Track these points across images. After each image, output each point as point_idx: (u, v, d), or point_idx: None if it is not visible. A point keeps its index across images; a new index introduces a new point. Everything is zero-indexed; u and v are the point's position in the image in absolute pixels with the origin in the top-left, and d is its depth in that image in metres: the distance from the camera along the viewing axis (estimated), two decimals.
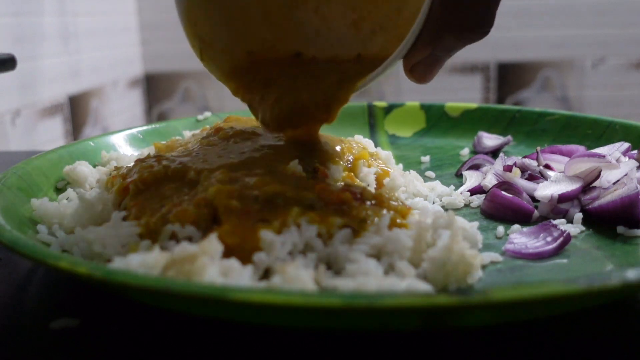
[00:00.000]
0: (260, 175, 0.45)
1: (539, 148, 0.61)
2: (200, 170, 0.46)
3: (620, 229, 0.47)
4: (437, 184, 0.58)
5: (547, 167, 0.58)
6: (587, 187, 0.52)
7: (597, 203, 0.49)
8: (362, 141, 0.61)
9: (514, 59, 1.77)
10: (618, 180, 0.51)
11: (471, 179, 0.60)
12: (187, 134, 0.68)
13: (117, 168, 0.54)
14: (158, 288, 0.30)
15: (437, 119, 0.80)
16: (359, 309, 0.28)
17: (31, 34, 1.20)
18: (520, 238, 0.46)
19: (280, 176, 0.45)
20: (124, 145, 0.67)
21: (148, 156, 0.53)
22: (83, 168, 0.56)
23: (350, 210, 0.42)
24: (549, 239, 0.44)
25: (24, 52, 1.16)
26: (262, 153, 0.49)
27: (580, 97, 1.78)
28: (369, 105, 0.83)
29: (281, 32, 0.56)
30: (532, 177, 0.57)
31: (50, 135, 1.27)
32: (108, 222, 0.43)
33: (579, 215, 0.49)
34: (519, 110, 0.78)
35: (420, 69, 0.45)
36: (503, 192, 0.52)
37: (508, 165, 0.57)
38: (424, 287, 0.35)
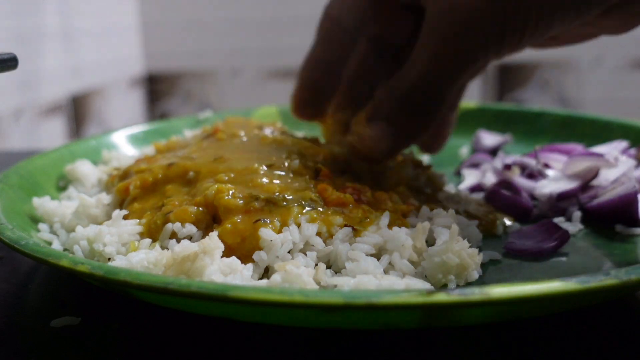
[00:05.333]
0: (260, 174, 0.45)
1: (537, 147, 0.61)
2: (199, 171, 0.46)
3: (618, 228, 0.47)
4: None
5: (546, 165, 0.58)
6: (585, 186, 0.52)
7: (595, 201, 0.49)
8: None
9: (513, 59, 1.77)
10: (616, 179, 0.51)
11: (470, 177, 0.60)
12: (189, 133, 0.68)
13: (117, 169, 0.54)
14: (159, 286, 0.30)
15: None
16: (359, 306, 0.29)
17: (33, 34, 1.20)
18: (519, 236, 0.46)
19: (281, 176, 0.45)
20: (125, 144, 0.68)
21: (147, 156, 0.54)
22: (84, 167, 0.56)
23: (351, 210, 0.43)
24: (547, 237, 0.45)
25: (25, 51, 1.16)
26: (261, 153, 0.49)
27: (579, 96, 1.78)
28: None
29: None
30: (531, 176, 0.57)
31: (52, 134, 1.27)
32: (109, 221, 0.43)
33: (577, 214, 0.49)
34: (518, 109, 0.78)
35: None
36: (502, 190, 0.52)
37: (507, 163, 0.58)
38: (423, 285, 0.35)
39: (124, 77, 1.69)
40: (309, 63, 0.51)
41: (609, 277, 0.30)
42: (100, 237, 0.41)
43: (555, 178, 0.54)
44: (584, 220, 0.49)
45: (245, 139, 0.53)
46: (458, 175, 0.64)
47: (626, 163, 0.54)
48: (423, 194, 0.51)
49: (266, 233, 0.39)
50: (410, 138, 0.46)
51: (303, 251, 0.40)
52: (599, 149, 0.58)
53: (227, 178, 0.44)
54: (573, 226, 0.48)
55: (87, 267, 0.33)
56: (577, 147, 0.60)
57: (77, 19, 1.39)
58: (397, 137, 0.46)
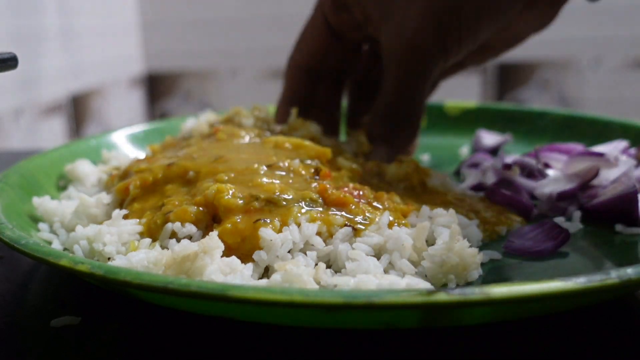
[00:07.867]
0: (260, 174, 0.45)
1: (537, 147, 0.61)
2: (199, 170, 0.46)
3: (618, 227, 0.47)
4: None
5: (546, 165, 0.58)
6: (585, 186, 0.52)
7: (595, 201, 0.49)
8: None
9: (513, 59, 1.77)
10: (616, 179, 0.51)
11: (470, 176, 0.60)
12: (188, 125, 0.67)
13: (117, 168, 0.54)
14: (159, 286, 0.30)
15: (436, 118, 0.80)
16: (359, 306, 0.29)
17: (33, 34, 1.20)
18: (519, 236, 0.46)
19: (281, 176, 0.45)
20: (125, 144, 0.68)
21: (147, 156, 0.54)
22: (84, 166, 0.56)
23: (351, 210, 0.43)
24: (547, 237, 0.45)
25: (25, 51, 1.16)
26: (261, 153, 0.49)
27: (579, 96, 1.78)
28: None
29: None
30: (531, 175, 0.57)
31: (52, 134, 1.27)
32: (109, 221, 0.43)
33: (577, 213, 0.49)
34: (518, 109, 0.78)
35: None
36: (502, 190, 0.52)
37: (507, 163, 0.58)
38: (423, 284, 0.35)
39: (124, 77, 1.69)
40: (284, 102, 0.61)
41: (609, 277, 0.30)
42: (100, 236, 0.41)
43: (555, 178, 0.54)
44: (584, 220, 0.49)
45: (245, 139, 0.53)
46: (458, 175, 0.64)
47: (626, 163, 0.54)
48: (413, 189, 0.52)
49: (266, 233, 0.39)
50: (402, 147, 0.56)
51: (303, 251, 0.40)
52: (599, 149, 0.58)
53: (227, 178, 0.44)
54: (573, 226, 0.47)
55: (87, 266, 0.33)
56: (577, 147, 0.60)
57: (77, 19, 1.39)
58: (392, 151, 0.55)
